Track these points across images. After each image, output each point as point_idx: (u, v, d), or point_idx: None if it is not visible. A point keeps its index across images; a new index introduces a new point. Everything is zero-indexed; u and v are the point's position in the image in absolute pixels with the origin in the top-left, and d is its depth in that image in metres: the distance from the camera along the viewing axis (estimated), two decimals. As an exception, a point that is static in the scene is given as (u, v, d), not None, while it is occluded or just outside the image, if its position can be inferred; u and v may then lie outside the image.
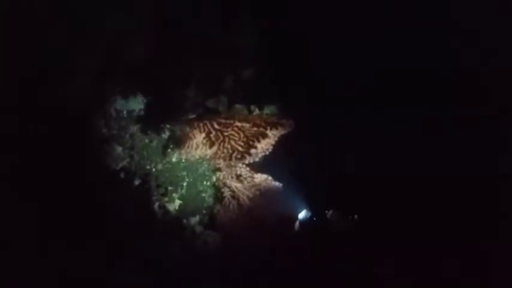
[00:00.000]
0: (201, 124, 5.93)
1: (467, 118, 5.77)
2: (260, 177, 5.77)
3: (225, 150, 5.83)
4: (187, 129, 5.90)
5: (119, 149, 5.64)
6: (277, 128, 5.86)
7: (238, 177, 5.78)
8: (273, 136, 5.84)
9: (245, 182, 5.75)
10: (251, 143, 5.78)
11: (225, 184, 5.77)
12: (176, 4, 5.97)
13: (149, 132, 5.78)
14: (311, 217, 5.70)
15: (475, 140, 5.57)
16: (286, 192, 5.68)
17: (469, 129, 5.67)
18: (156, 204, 5.58)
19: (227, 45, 6.15)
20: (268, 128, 5.85)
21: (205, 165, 5.78)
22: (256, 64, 6.23)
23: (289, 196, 5.67)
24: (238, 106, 6.18)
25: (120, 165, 5.62)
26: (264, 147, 5.81)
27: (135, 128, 5.77)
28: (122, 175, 5.61)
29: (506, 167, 5.44)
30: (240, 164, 5.79)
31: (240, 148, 5.79)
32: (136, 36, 5.79)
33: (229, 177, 5.78)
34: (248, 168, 5.80)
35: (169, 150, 5.78)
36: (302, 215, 5.70)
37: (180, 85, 6.01)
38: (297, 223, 5.67)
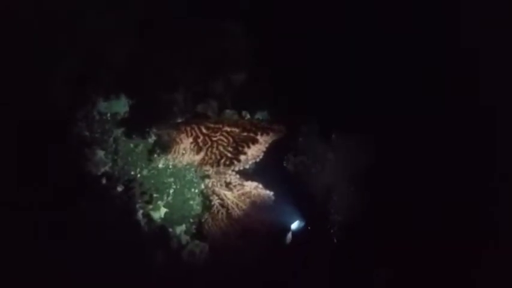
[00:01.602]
0: (188, 128, 5.70)
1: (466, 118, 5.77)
2: (250, 185, 5.56)
3: (213, 156, 5.60)
4: (175, 133, 5.65)
5: (101, 153, 5.35)
6: (268, 134, 5.66)
7: (228, 184, 5.56)
8: (264, 142, 5.64)
9: (235, 190, 5.54)
10: (241, 148, 5.57)
11: (213, 192, 5.55)
12: (166, 4, 5.77)
13: (134, 136, 5.51)
14: (304, 227, 5.54)
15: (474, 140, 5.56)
16: (277, 201, 5.51)
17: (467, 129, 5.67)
18: (140, 212, 5.32)
19: (219, 48, 5.97)
20: (259, 133, 5.65)
21: (193, 172, 5.54)
22: (249, 69, 6.07)
23: (280, 205, 5.51)
24: (228, 111, 6.00)
25: (102, 170, 5.33)
26: (254, 153, 5.60)
27: (119, 132, 5.48)
28: (104, 181, 5.32)
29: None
30: (230, 171, 5.56)
31: (229, 154, 5.57)
32: (124, 35, 5.56)
33: (218, 184, 5.56)
34: (238, 176, 5.59)
35: (155, 155, 5.51)
36: (295, 225, 5.54)
37: (168, 88, 5.78)
38: (290, 234, 5.50)
